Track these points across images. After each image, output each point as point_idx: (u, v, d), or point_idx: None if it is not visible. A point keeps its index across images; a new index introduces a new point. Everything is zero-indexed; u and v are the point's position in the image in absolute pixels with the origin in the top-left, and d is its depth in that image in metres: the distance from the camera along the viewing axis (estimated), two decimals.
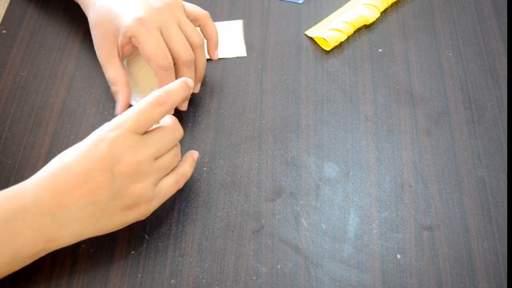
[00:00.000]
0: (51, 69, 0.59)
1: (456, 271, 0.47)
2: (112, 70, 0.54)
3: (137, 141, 0.43)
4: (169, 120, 0.47)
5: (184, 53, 0.52)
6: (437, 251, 0.48)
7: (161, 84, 0.52)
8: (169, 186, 0.46)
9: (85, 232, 0.43)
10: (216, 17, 0.64)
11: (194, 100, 0.57)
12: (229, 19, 0.64)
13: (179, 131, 0.47)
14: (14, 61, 0.59)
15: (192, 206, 0.50)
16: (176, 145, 0.47)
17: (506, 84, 0.59)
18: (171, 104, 0.45)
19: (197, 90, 0.57)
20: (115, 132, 0.43)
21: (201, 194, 0.51)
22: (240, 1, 0.65)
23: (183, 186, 0.51)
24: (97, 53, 0.55)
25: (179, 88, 0.47)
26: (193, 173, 0.52)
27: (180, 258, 0.47)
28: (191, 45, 0.53)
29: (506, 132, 0.55)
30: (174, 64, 0.53)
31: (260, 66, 0.60)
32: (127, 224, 0.45)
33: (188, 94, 0.48)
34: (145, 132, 0.45)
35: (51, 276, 0.46)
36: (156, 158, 0.45)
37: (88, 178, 0.42)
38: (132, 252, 0.48)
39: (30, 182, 0.43)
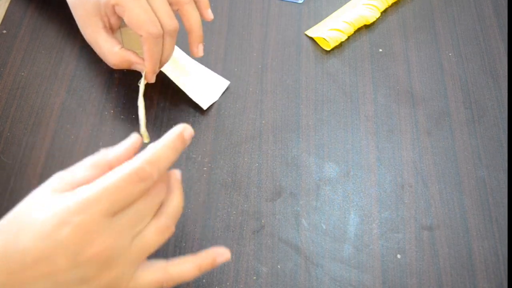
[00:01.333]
0: (51, 69, 0.59)
1: (457, 271, 0.47)
2: (104, 42, 0.50)
3: (109, 224, 0.35)
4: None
5: (169, 20, 0.48)
6: (437, 251, 0.48)
7: (149, 54, 0.49)
8: (153, 281, 0.37)
9: None
10: (216, 17, 0.64)
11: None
12: (229, 19, 0.64)
13: (160, 195, 0.37)
14: (15, 61, 0.59)
15: (193, 206, 0.50)
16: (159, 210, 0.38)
17: (507, 84, 0.59)
18: (156, 176, 0.36)
19: (201, 53, 0.52)
20: (81, 216, 0.34)
21: (201, 194, 0.51)
22: (240, 1, 0.65)
23: (184, 187, 0.51)
24: (84, 33, 0.52)
25: (169, 151, 0.36)
26: (193, 173, 0.52)
27: None
28: (178, 3, 0.50)
29: (507, 132, 0.55)
30: None
31: (260, 66, 0.60)
32: None
33: (178, 155, 0.37)
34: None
35: None
36: (134, 237, 0.36)
37: (48, 262, 0.34)
38: None
39: None
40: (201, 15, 0.52)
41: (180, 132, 0.37)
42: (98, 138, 0.54)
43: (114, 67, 0.52)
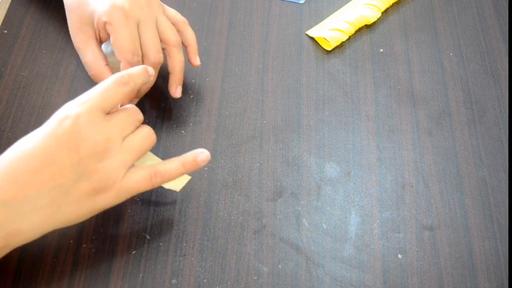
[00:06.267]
0: (52, 69, 0.59)
1: (457, 271, 0.47)
2: (90, 53, 0.52)
3: (102, 120, 0.42)
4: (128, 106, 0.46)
5: (154, 54, 0.51)
6: (438, 251, 0.48)
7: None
8: (142, 176, 0.44)
9: (47, 224, 0.40)
10: (217, 17, 0.64)
11: (195, 99, 0.57)
12: (230, 19, 0.64)
13: (138, 114, 0.45)
14: (16, 61, 0.59)
15: (193, 206, 0.50)
16: (142, 127, 0.45)
17: (507, 84, 0.59)
18: (133, 85, 0.44)
19: (178, 94, 0.54)
20: (80, 108, 0.41)
21: (202, 194, 0.51)
22: (241, 1, 0.65)
23: (185, 187, 0.51)
24: (73, 38, 0.53)
25: (140, 73, 0.45)
26: (194, 173, 0.52)
27: (181, 258, 0.47)
28: (167, 44, 0.52)
29: (507, 132, 0.55)
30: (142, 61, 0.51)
31: (261, 66, 0.60)
32: (94, 214, 0.42)
33: (147, 80, 0.46)
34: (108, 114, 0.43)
35: (52, 276, 0.46)
36: (124, 139, 0.43)
37: (52, 160, 0.39)
38: (133, 252, 0.48)
39: None
40: (190, 60, 0.56)
41: (144, 67, 0.46)
42: None
43: (92, 78, 0.53)
